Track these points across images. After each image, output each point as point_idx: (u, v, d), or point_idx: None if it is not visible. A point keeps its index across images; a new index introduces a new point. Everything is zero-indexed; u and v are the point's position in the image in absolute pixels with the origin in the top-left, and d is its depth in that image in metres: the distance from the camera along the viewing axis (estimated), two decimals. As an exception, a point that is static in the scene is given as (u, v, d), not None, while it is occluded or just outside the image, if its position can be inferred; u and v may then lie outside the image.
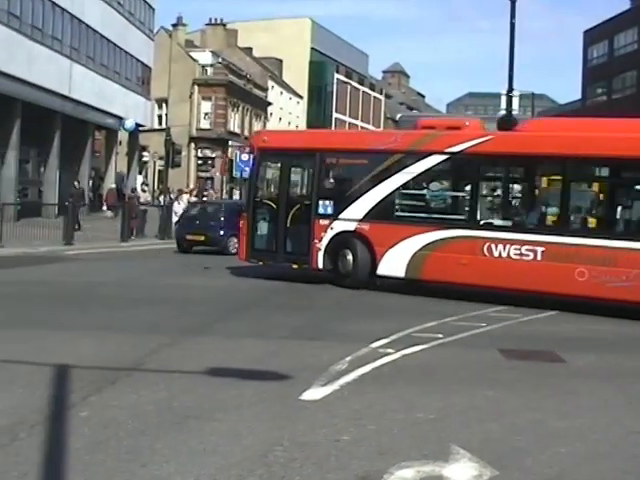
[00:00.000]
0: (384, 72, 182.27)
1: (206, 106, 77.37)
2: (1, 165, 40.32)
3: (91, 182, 52.89)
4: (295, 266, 21.08)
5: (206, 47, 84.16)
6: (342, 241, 20.21)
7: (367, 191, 20.04)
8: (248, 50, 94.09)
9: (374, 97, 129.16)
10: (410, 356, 11.76)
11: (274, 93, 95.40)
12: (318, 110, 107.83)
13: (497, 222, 18.89)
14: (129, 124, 54.18)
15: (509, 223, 18.73)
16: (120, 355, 11.07)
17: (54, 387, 9.17)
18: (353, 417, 8.40)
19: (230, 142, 75.31)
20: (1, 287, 18.27)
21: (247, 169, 46.62)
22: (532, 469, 7.12)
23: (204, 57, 79.29)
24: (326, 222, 20.43)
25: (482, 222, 18.84)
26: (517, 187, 20.20)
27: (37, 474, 6.44)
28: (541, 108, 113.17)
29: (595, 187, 19.04)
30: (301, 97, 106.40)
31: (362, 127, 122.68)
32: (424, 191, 20.19)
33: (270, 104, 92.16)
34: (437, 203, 20.35)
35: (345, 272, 20.32)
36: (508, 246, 17.98)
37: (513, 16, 31.75)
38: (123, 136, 58.11)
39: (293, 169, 21.88)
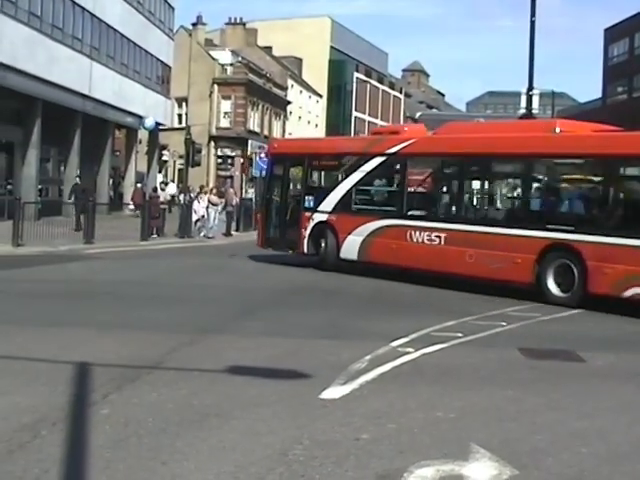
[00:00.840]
0: (404, 71, 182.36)
1: (226, 105, 77.47)
2: (22, 164, 40.52)
3: (111, 181, 53.07)
4: (290, 252, 25.22)
5: (226, 46, 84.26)
6: (319, 230, 24.17)
7: (335, 188, 24.19)
8: (268, 49, 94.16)
9: (394, 96, 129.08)
10: (430, 355, 11.76)
11: (294, 92, 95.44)
12: (337, 109, 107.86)
13: (416, 213, 22.11)
14: (149, 123, 54.31)
15: (424, 213, 22.03)
16: (141, 353, 11.11)
17: (75, 385, 9.22)
18: (373, 416, 8.41)
19: (250, 141, 75.41)
20: (23, 285, 18.37)
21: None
22: (552, 469, 7.12)
23: (224, 56, 79.38)
24: (309, 214, 24.48)
25: (407, 213, 22.13)
26: (431, 182, 23.25)
27: (59, 471, 6.47)
28: (561, 107, 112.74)
29: (483, 182, 22.54)
30: (320, 96, 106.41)
31: (381, 126, 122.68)
32: (370, 187, 24.20)
33: (289, 103, 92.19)
34: (378, 197, 24.31)
35: (321, 256, 24.13)
36: (423, 233, 21.30)
37: (533, 14, 31.72)
38: (143, 135, 58.29)
39: (292, 170, 26.08)
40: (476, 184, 22.85)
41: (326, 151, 25.82)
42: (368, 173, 23.24)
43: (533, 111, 34.34)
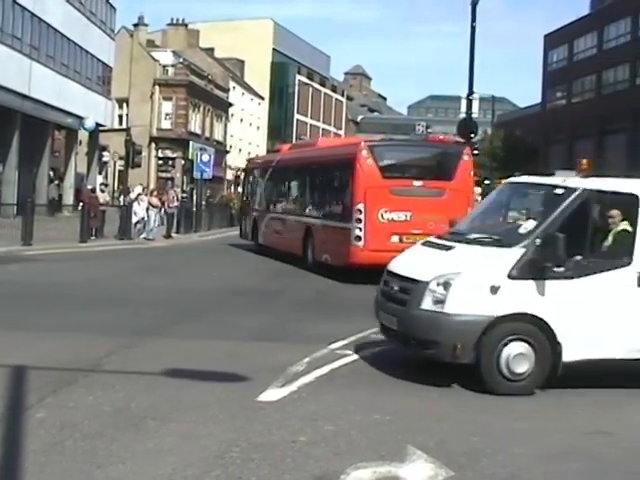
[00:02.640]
0: (346, 74, 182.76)
1: (167, 106, 77.09)
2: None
3: (52, 182, 52.48)
4: (249, 241, 33.25)
5: (167, 47, 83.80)
6: (253, 223, 32.60)
7: (259, 191, 33.07)
8: (210, 51, 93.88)
9: (336, 99, 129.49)
10: (368, 357, 11.80)
11: (235, 94, 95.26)
12: (279, 111, 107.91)
13: (278, 207, 29.80)
14: (89, 124, 53.82)
15: (281, 207, 29.52)
16: (78, 356, 11.01)
17: (10, 389, 9.11)
18: (310, 418, 8.44)
19: (191, 143, 75.11)
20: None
21: (208, 170, 46.74)
22: (486, 469, 7.21)
23: (165, 57, 78.98)
24: (253, 212, 32.90)
25: (276, 207, 29.97)
26: (279, 184, 31.24)
27: (-8, 475, 6.41)
28: (501, 111, 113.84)
29: (291, 184, 30.01)
30: (262, 98, 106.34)
31: (324, 129, 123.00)
32: (266, 189, 32.05)
33: (231, 105, 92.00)
34: (268, 196, 31.52)
35: (255, 243, 32.16)
36: (280, 222, 29.11)
37: (474, 19, 32.03)
38: (83, 136, 57.73)
39: (252, 179, 34.83)
40: (292, 185, 29.97)
41: (262, 163, 34.73)
42: (267, 179, 32.03)
43: (473, 115, 34.62)
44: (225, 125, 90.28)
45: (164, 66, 78.11)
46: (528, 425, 8.75)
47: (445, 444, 7.85)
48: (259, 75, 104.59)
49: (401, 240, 20.85)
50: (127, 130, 50.50)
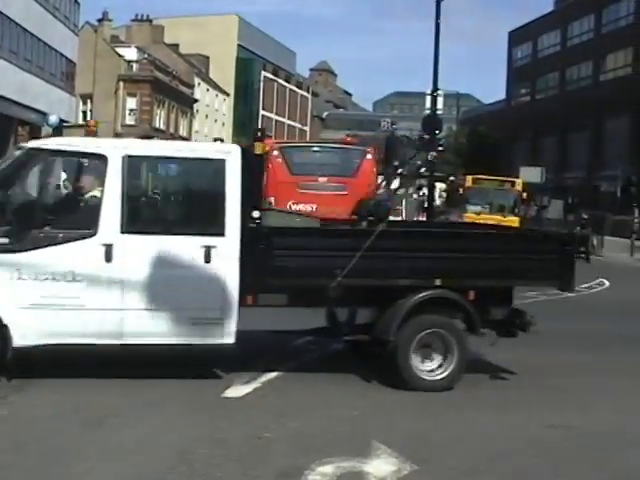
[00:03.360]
0: (311, 70, 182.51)
1: (131, 102, 76.65)
2: None
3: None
4: None
5: (132, 43, 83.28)
6: None
7: None
8: (174, 46, 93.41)
9: (301, 95, 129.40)
10: (335, 353, 11.80)
11: (200, 90, 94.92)
12: (245, 108, 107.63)
13: None
14: (53, 120, 53.41)
15: None
16: (41, 352, 10.92)
17: (-27, 386, 9.05)
18: (275, 414, 8.44)
19: (156, 139, 74.79)
20: None
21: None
22: (450, 463, 7.25)
23: (129, 53, 78.51)
24: None
25: None
26: None
27: (-47, 474, 6.37)
28: (466, 107, 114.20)
29: None
30: (228, 94, 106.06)
31: (289, 125, 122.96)
32: None
33: (196, 101, 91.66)
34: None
35: None
36: None
37: (438, 16, 32.17)
38: (47, 132, 57.29)
39: None
40: None
41: None
42: None
43: (438, 112, 34.76)
44: (190, 121, 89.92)
45: (128, 62, 77.66)
46: (490, 419, 8.80)
47: (409, 439, 7.88)
48: (224, 71, 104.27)
49: None
50: (91, 126, 50.07)
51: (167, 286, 9.22)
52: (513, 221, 46.44)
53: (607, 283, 25.22)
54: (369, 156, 25.23)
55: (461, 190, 48.95)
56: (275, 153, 24.87)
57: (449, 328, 9.91)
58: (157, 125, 78.61)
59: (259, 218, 9.74)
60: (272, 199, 23.18)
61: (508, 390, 10.20)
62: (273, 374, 10.15)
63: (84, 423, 7.86)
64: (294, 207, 23.24)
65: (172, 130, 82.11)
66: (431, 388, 9.68)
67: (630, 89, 64.94)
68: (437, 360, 9.85)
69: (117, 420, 8.01)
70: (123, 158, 9.16)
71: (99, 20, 78.21)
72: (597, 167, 69.19)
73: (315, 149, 28.30)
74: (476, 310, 10.03)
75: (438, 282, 9.92)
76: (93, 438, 7.39)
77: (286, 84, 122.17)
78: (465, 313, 9.99)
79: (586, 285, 24.06)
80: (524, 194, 48.34)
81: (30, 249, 8.91)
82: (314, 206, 23.39)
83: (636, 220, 43.21)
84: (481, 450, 7.70)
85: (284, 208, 22.20)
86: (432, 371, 9.82)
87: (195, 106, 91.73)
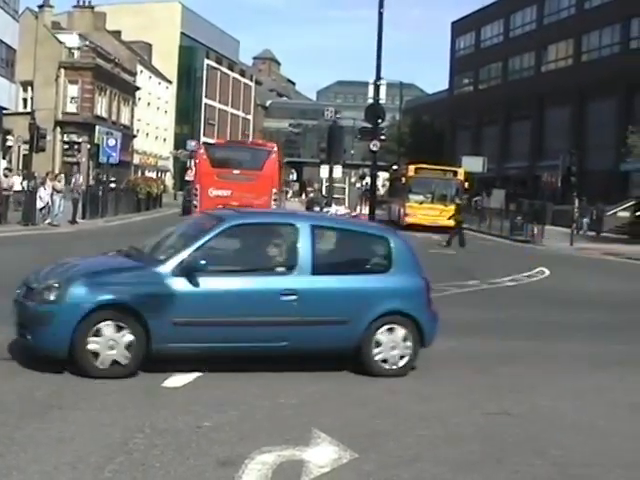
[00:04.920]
0: (255, 59, 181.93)
1: (73, 90, 75.85)
2: None
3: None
4: None
5: (73, 30, 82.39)
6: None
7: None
8: (117, 33, 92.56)
9: (244, 83, 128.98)
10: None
11: (143, 77, 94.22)
12: (187, 95, 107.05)
13: None
14: (-8, 107, 52.78)
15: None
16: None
17: None
18: (215, 403, 8.44)
19: (97, 127, 74.12)
20: None
21: (114, 154, 46.16)
22: (391, 452, 7.30)
23: (71, 40, 77.63)
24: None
25: None
26: None
27: None
28: (410, 97, 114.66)
29: None
30: (170, 82, 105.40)
31: (232, 113, 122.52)
32: None
33: (139, 89, 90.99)
34: None
35: None
36: None
37: (382, 5, 32.21)
38: (-14, 119, 56.58)
39: None
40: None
41: None
42: None
43: (380, 101, 34.84)
44: (132, 109, 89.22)
45: (70, 49, 76.79)
46: (432, 407, 8.87)
47: (349, 427, 7.92)
48: (167, 59, 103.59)
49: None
50: (31, 114, 49.45)
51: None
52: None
53: (547, 272, 25.52)
54: (273, 155, 33.61)
55: (404, 179, 49.26)
56: (200, 151, 34.74)
57: None
58: (99, 113, 77.88)
59: None
60: (198, 186, 33.24)
61: (447, 378, 10.29)
62: (215, 364, 10.13)
63: (24, 414, 7.78)
64: (214, 192, 31.86)
65: (114, 118, 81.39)
66: None
67: (571, 79, 65.69)
68: None
69: (59, 412, 7.95)
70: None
71: (40, 6, 77.19)
72: (538, 157, 69.91)
73: (231, 147, 38.48)
74: None
75: None
76: (33, 429, 7.32)
77: (229, 72, 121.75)
78: None
79: (527, 274, 24.37)
80: (466, 184, 48.76)
81: None
82: (230, 191, 31.51)
83: (576, 210, 43.73)
84: (422, 438, 7.76)
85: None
86: None
87: (137, 94, 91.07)
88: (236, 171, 32.76)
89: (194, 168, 37.47)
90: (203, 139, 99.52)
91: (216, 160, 33.47)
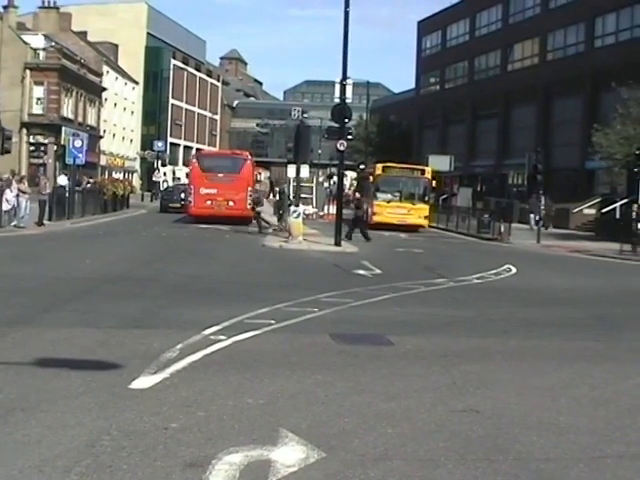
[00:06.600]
0: (221, 59, 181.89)
1: (38, 91, 75.49)
2: None
3: None
4: None
5: (39, 30, 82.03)
6: None
7: None
8: (82, 34, 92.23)
9: (211, 84, 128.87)
10: (241, 342, 11.81)
11: (109, 78, 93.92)
12: (154, 96, 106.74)
13: None
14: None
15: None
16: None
17: None
18: (182, 404, 8.41)
19: (64, 128, 73.72)
20: None
21: (80, 156, 45.89)
22: (358, 450, 7.30)
23: (36, 41, 77.27)
24: None
25: None
26: None
27: None
28: (376, 97, 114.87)
29: None
30: (137, 83, 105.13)
31: (199, 114, 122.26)
32: None
33: (105, 89, 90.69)
34: None
35: None
36: None
37: (347, 5, 32.13)
38: (-50, 121, 56.15)
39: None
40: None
41: None
42: None
43: (347, 100, 34.84)
44: (99, 110, 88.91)
45: (35, 50, 76.43)
46: (398, 405, 8.89)
47: (317, 426, 7.92)
48: (133, 59, 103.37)
49: (211, 203, 43.07)
50: (-4, 115, 49.20)
51: None
52: (423, 209, 47.08)
53: (514, 269, 25.67)
54: (248, 161, 45.11)
55: (371, 178, 49.36)
56: (194, 160, 47.17)
57: None
58: (65, 114, 77.56)
59: None
60: (192, 186, 44.24)
61: (414, 376, 10.31)
62: (181, 364, 10.12)
63: (-13, 417, 7.73)
64: (204, 190, 42.90)
65: (80, 119, 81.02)
66: None
67: (536, 78, 66.08)
68: None
69: (23, 414, 7.88)
70: None
71: (4, 7, 76.82)
72: (505, 155, 70.28)
73: (216, 157, 53.02)
74: None
75: None
76: (-3, 432, 7.28)
77: (196, 72, 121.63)
78: None
79: (494, 271, 24.50)
80: (434, 182, 48.95)
81: None
82: (216, 190, 42.77)
83: (542, 207, 43.94)
84: (389, 436, 7.77)
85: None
86: None
87: (104, 95, 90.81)
88: (220, 174, 43.67)
89: (189, 173, 49.25)
90: (170, 140, 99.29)
91: (205, 166, 44.58)
